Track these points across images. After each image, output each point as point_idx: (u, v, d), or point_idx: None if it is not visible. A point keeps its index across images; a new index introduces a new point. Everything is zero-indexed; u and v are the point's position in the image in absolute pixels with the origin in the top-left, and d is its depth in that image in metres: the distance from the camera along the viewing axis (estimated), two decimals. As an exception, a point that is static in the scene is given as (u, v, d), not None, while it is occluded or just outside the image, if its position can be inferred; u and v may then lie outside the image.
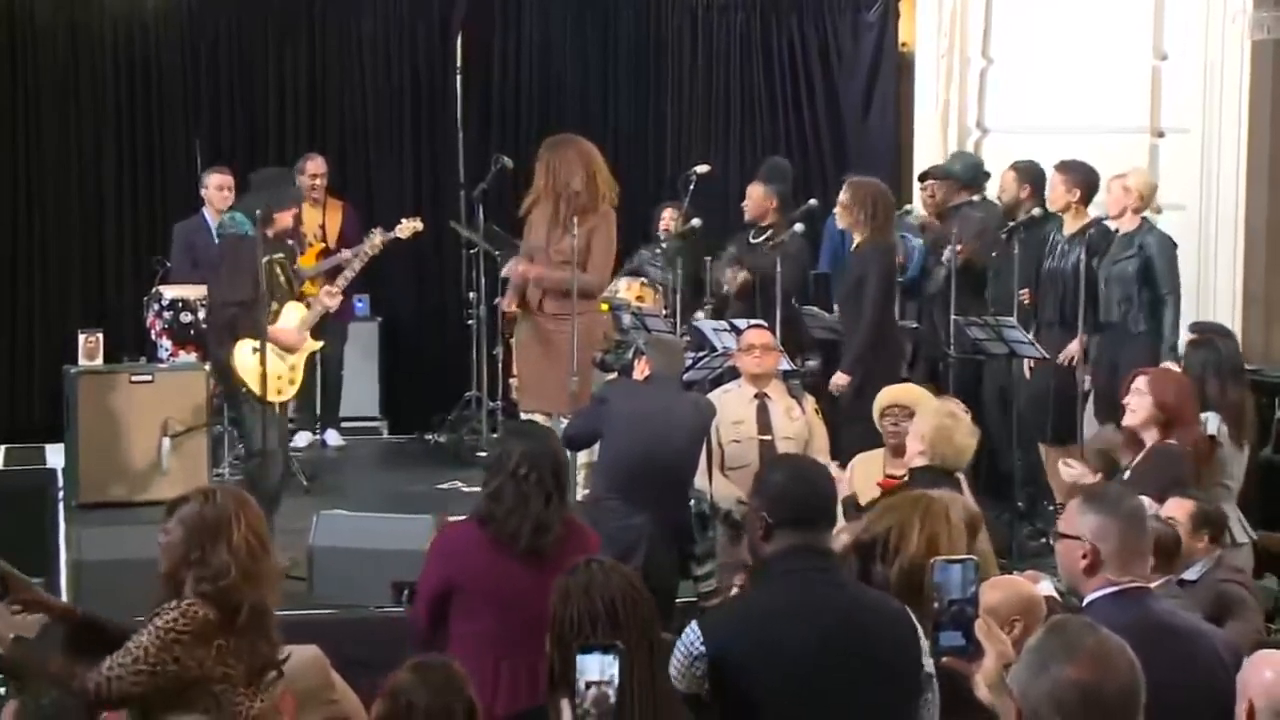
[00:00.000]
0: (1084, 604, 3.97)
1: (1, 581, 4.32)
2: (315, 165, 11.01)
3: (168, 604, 4.27)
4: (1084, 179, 9.23)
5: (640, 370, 7.54)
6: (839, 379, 8.76)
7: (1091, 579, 3.99)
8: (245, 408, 8.23)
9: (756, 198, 10.29)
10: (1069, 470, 7.15)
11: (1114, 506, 4.05)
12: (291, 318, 8.40)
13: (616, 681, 3.34)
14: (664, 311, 9.88)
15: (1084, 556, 4.01)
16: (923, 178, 10.53)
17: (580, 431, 7.47)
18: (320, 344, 8.94)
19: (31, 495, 8.94)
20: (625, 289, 9.85)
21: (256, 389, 8.12)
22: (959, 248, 9.39)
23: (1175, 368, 7.85)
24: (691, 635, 4.00)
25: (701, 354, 9.01)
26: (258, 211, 8.05)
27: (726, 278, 10.09)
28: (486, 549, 5.19)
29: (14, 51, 11.27)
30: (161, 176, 11.53)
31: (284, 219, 8.25)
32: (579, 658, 3.38)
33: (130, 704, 4.25)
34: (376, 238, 9.57)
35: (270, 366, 8.07)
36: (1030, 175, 9.66)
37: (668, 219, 10.84)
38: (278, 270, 8.16)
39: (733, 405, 8.08)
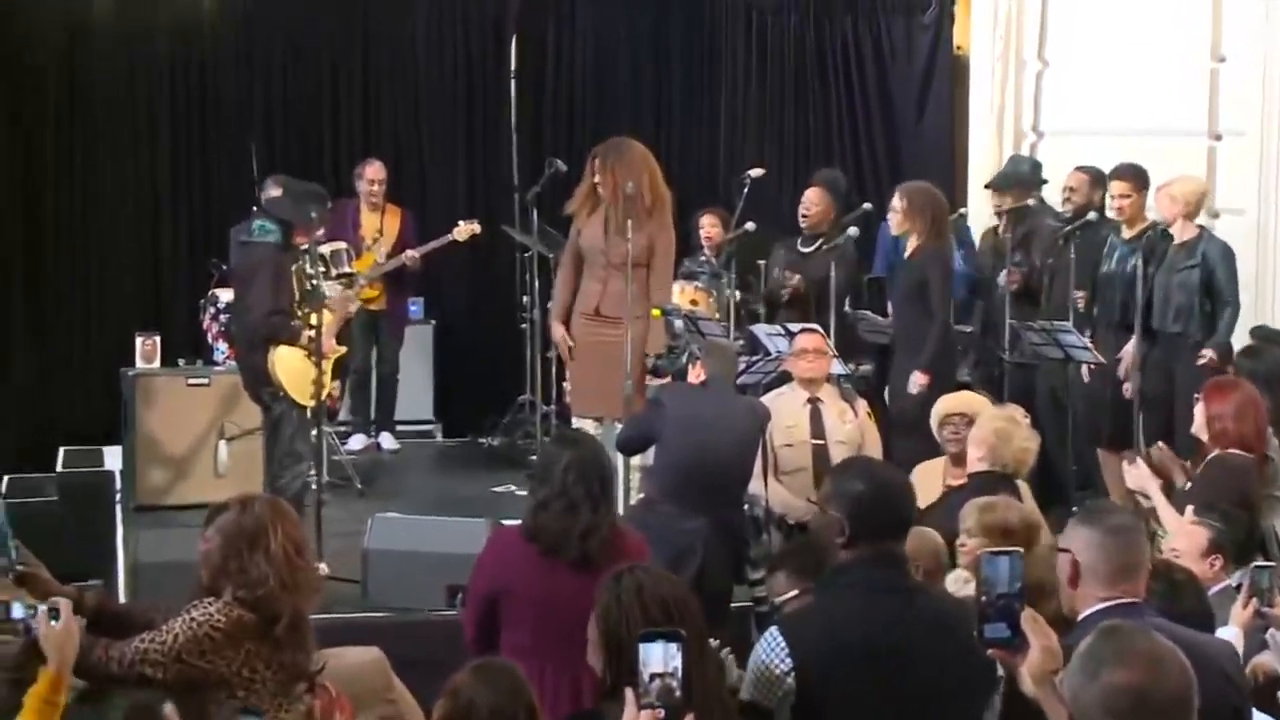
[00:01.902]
0: (1078, 621, 3.95)
1: (20, 577, 4.36)
2: (374, 170, 11.08)
3: (206, 599, 4.30)
4: (1146, 182, 9.23)
5: (694, 375, 7.56)
6: (919, 378, 8.67)
7: (1080, 594, 3.97)
8: (279, 412, 8.27)
9: (821, 203, 10.27)
10: (1134, 471, 7.11)
11: (1100, 520, 4.00)
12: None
13: (681, 671, 3.26)
14: (717, 315, 9.90)
15: (1068, 568, 4.00)
16: (988, 186, 10.49)
17: (634, 436, 7.49)
18: (344, 349, 8.96)
19: (90, 497, 9.06)
20: (679, 294, 9.88)
21: (294, 393, 8.17)
22: (1011, 276, 9.41)
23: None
24: (776, 646, 4.00)
25: (755, 358, 9.03)
26: (313, 214, 8.11)
27: (784, 280, 10.11)
28: (534, 557, 5.20)
29: (71, 58, 11.37)
30: (217, 181, 11.61)
31: (301, 239, 8.25)
32: (641, 647, 3.29)
33: (147, 687, 4.24)
34: (406, 256, 9.73)
35: (305, 372, 8.10)
36: (1103, 180, 9.65)
37: (708, 226, 10.85)
38: (302, 278, 8.20)
39: (786, 409, 8.09)
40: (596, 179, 8.69)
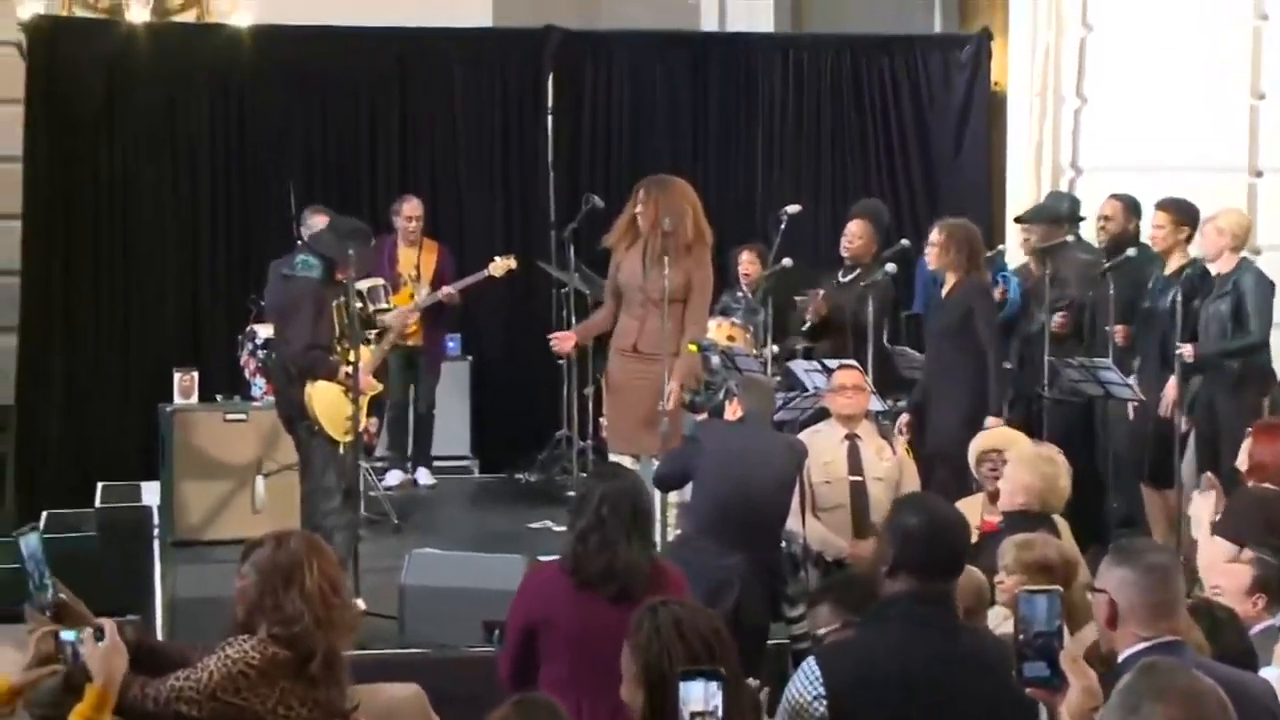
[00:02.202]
0: (1119, 662, 3.93)
1: (57, 610, 4.39)
2: (411, 207, 11.13)
3: (241, 636, 4.31)
4: (1190, 218, 9.21)
5: (731, 411, 7.56)
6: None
7: (1118, 634, 3.95)
8: (311, 447, 8.30)
9: (864, 235, 10.26)
10: (1203, 500, 7.07)
11: (1135, 559, 3.94)
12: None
13: (721, 711, 3.26)
14: (754, 352, 9.90)
15: (1105, 609, 3.97)
16: (1019, 220, 10.49)
17: (671, 472, 7.51)
18: (381, 387, 8.99)
19: (128, 533, 9.11)
20: (715, 329, 9.89)
21: (330, 429, 8.20)
22: (1060, 318, 9.40)
23: None
24: (809, 676, 4.01)
25: (792, 394, 9.03)
26: (350, 253, 8.15)
27: (809, 312, 10.12)
28: (572, 590, 5.21)
29: (111, 95, 11.46)
30: (256, 218, 11.66)
31: (344, 273, 8.29)
32: (682, 685, 3.29)
33: None
34: (424, 291, 10.00)
35: (341, 408, 8.14)
36: (1138, 209, 9.64)
37: (745, 262, 10.86)
38: (343, 313, 8.22)
39: (823, 446, 8.07)
40: (638, 209, 8.71)
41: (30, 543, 4.33)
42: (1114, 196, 9.81)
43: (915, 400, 9.07)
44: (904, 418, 8.94)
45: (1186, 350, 8.71)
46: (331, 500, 8.15)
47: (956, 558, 4.21)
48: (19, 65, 11.54)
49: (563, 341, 9.26)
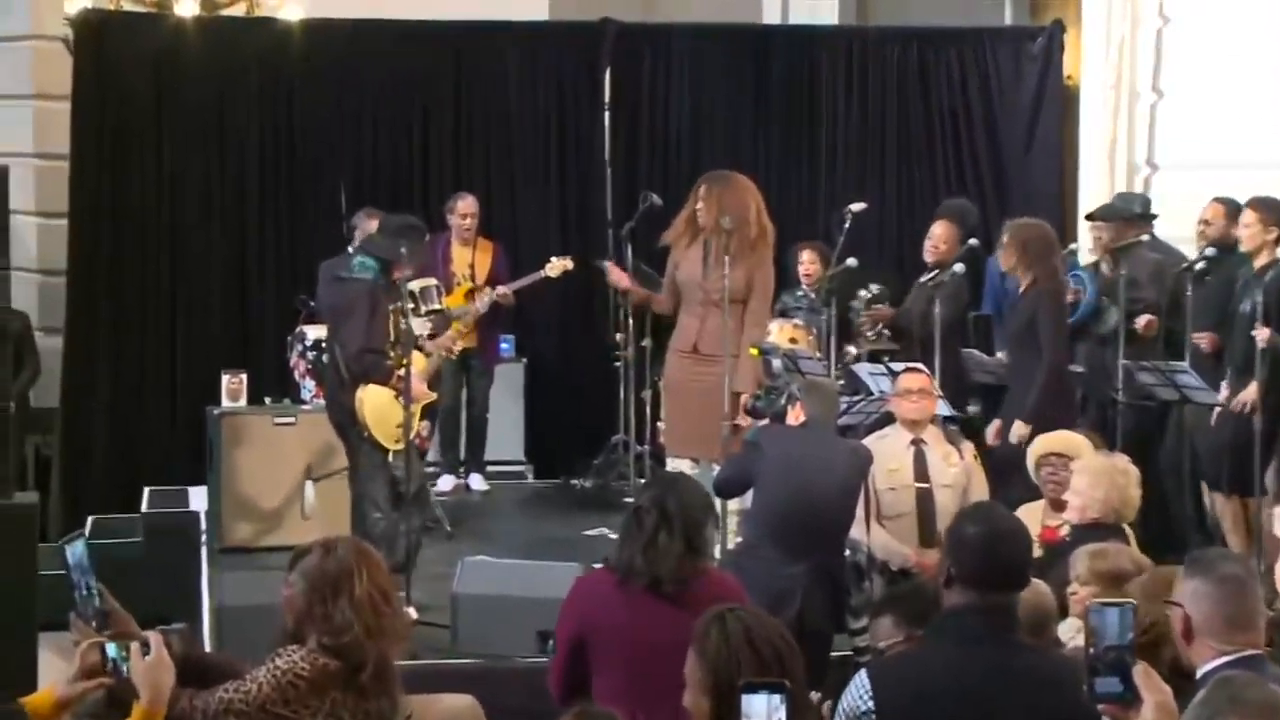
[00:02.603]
0: (1197, 678, 3.89)
1: (104, 615, 4.41)
2: (466, 205, 11.14)
3: (290, 646, 4.32)
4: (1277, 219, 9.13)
5: (794, 416, 7.55)
6: (1019, 429, 8.62)
7: (1195, 649, 3.91)
8: (361, 453, 8.34)
9: (950, 239, 10.18)
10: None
11: (1209, 570, 3.92)
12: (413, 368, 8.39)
13: None
14: (817, 354, 9.88)
15: (1180, 622, 3.94)
16: (1090, 218, 10.44)
17: (732, 478, 7.49)
18: (434, 395, 9.01)
19: (175, 539, 9.18)
20: (777, 331, 9.87)
21: (379, 435, 8.23)
22: (1145, 320, 9.35)
23: None
24: (860, 689, 4.00)
25: (857, 398, 9.00)
26: (402, 251, 8.18)
27: (875, 325, 10.10)
28: (622, 599, 5.21)
29: (159, 91, 11.53)
30: (305, 216, 11.72)
31: (400, 271, 8.33)
32: (744, 698, 3.29)
33: None
34: (485, 297, 9.87)
35: (393, 414, 8.16)
36: (1238, 211, 9.58)
37: (807, 261, 10.83)
38: (398, 318, 8.25)
39: (888, 451, 8.04)
40: (699, 206, 8.71)
41: (76, 551, 4.35)
42: (1217, 200, 9.68)
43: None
44: (996, 424, 8.88)
45: (1263, 335, 8.61)
46: (380, 507, 8.18)
47: (1016, 570, 4.17)
48: (66, 61, 11.63)
49: (619, 275, 9.16)
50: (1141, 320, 9.52)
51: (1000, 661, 4.06)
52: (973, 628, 4.06)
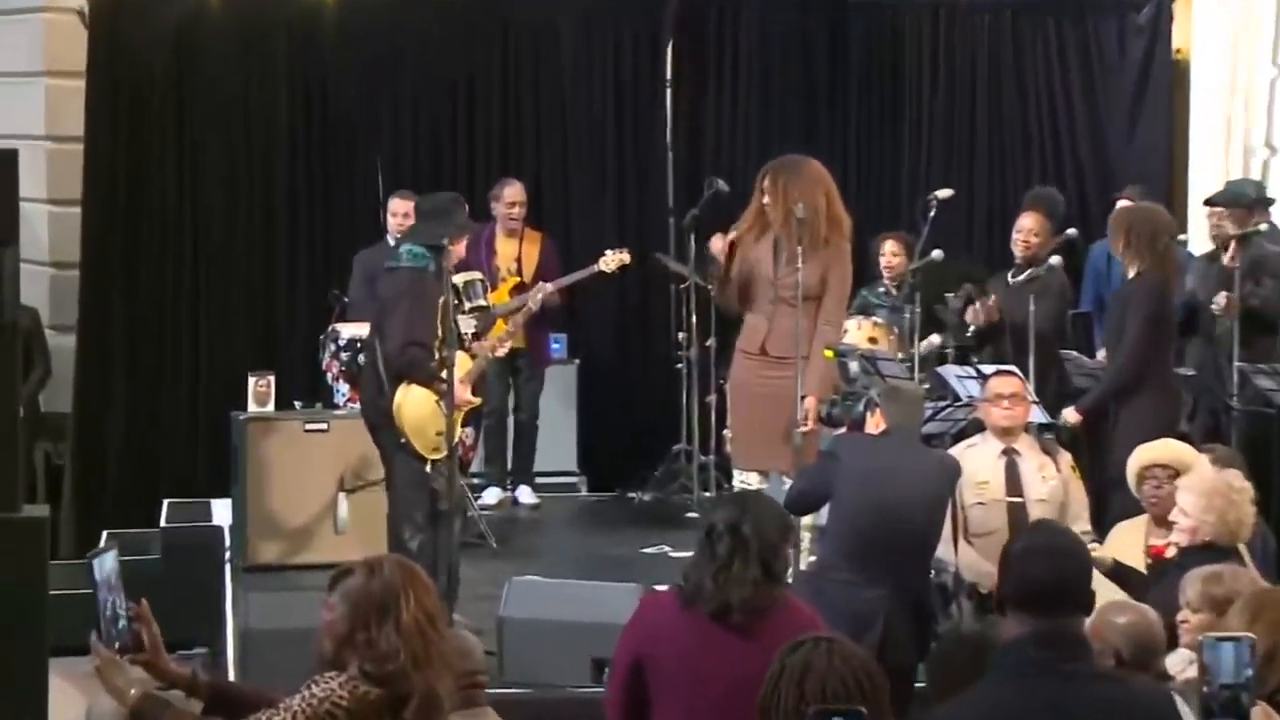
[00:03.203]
0: None
1: (138, 638, 4.43)
2: (513, 192, 11.16)
3: (328, 674, 4.33)
4: None
5: (874, 423, 7.53)
6: (1069, 414, 8.59)
7: None
8: (397, 461, 8.34)
9: (1042, 232, 10.11)
10: None
11: None
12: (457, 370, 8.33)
13: None
14: (899, 355, 9.85)
15: None
16: (1209, 203, 10.36)
17: (806, 492, 7.48)
18: (479, 401, 9.02)
19: (196, 556, 9.20)
20: (855, 330, 9.84)
21: (418, 444, 8.24)
22: (1225, 299, 9.29)
23: None
24: None
25: (943, 404, 8.97)
26: (445, 240, 8.18)
27: (969, 315, 10.04)
28: (686, 624, 5.20)
29: (180, 68, 11.57)
30: (339, 202, 11.76)
31: (458, 250, 8.34)
32: None
33: None
34: (539, 294, 9.81)
35: (433, 421, 8.17)
36: None
37: (888, 253, 10.79)
38: (447, 313, 8.24)
39: (977, 463, 8.02)
40: (765, 199, 8.70)
41: (105, 564, 4.37)
42: None
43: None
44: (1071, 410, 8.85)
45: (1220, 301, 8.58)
46: (416, 523, 8.19)
47: (1074, 587, 4.13)
48: (81, 35, 11.69)
49: (720, 242, 9.08)
50: (1221, 299, 9.43)
51: (1064, 697, 4.00)
52: (1031, 660, 4.02)
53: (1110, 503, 8.40)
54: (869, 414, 7.64)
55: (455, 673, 4.52)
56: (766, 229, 8.75)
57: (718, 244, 8.84)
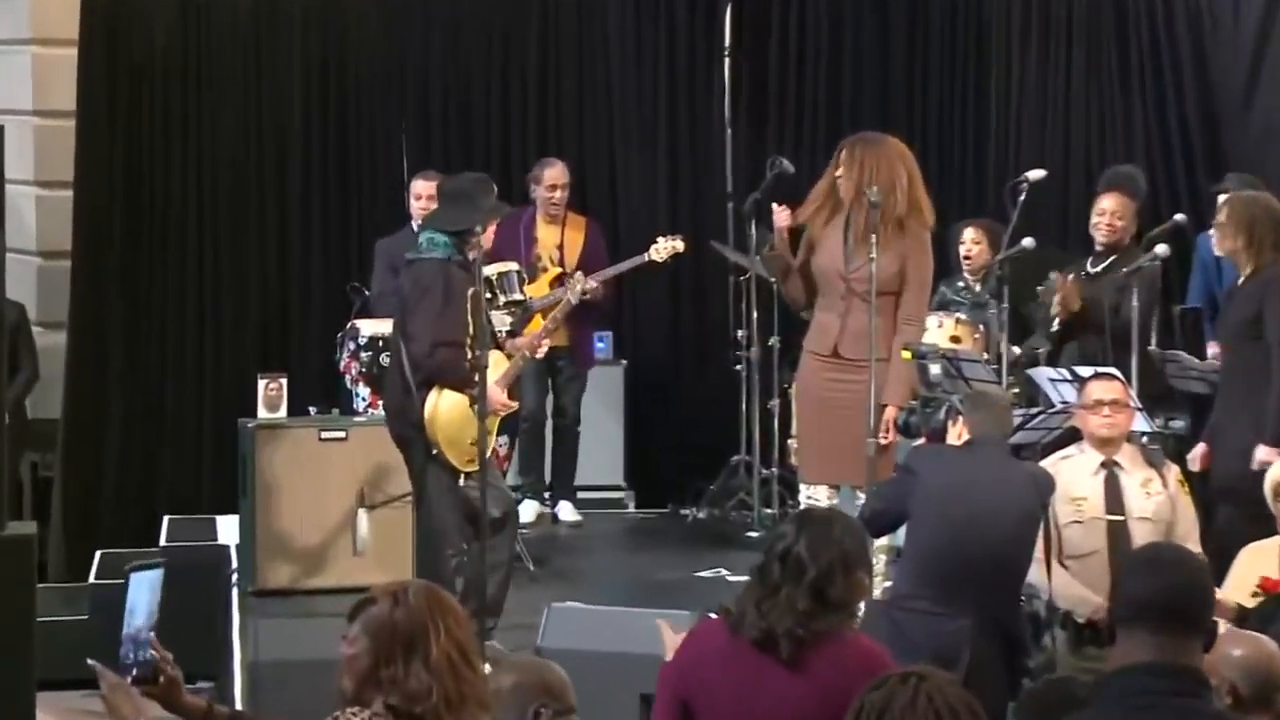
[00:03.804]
0: None
1: (155, 671, 4.44)
2: (554, 173, 11.16)
3: (351, 708, 4.32)
4: None
5: (956, 433, 7.52)
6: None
7: None
8: (429, 474, 8.34)
9: (1126, 214, 10.06)
10: None
11: None
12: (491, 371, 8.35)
13: None
14: (985, 356, 9.81)
15: None
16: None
17: (881, 510, 7.48)
18: (515, 405, 9.01)
19: (200, 579, 9.22)
20: (935, 329, 9.81)
21: (451, 455, 8.22)
22: None
23: None
24: None
25: (1034, 411, 8.93)
26: (477, 228, 8.18)
27: (1055, 303, 9.99)
28: (730, 654, 5.21)
29: (184, 32, 11.59)
30: (359, 185, 11.79)
31: (486, 237, 8.35)
32: None
33: None
34: (578, 286, 9.83)
35: (469, 429, 8.16)
36: None
37: (971, 243, 10.74)
38: (478, 305, 8.23)
39: (1074, 477, 8.00)
40: (839, 174, 8.67)
41: (149, 581, 4.39)
42: None
43: (1210, 423, 8.90)
44: (1200, 448, 8.78)
45: None
46: (453, 541, 8.18)
47: (1195, 610, 4.10)
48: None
49: (783, 215, 9.05)
50: None
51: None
52: (1140, 690, 3.99)
53: (1214, 514, 8.35)
54: (950, 423, 7.65)
55: (490, 714, 4.51)
56: (837, 210, 8.73)
57: (782, 217, 8.82)
